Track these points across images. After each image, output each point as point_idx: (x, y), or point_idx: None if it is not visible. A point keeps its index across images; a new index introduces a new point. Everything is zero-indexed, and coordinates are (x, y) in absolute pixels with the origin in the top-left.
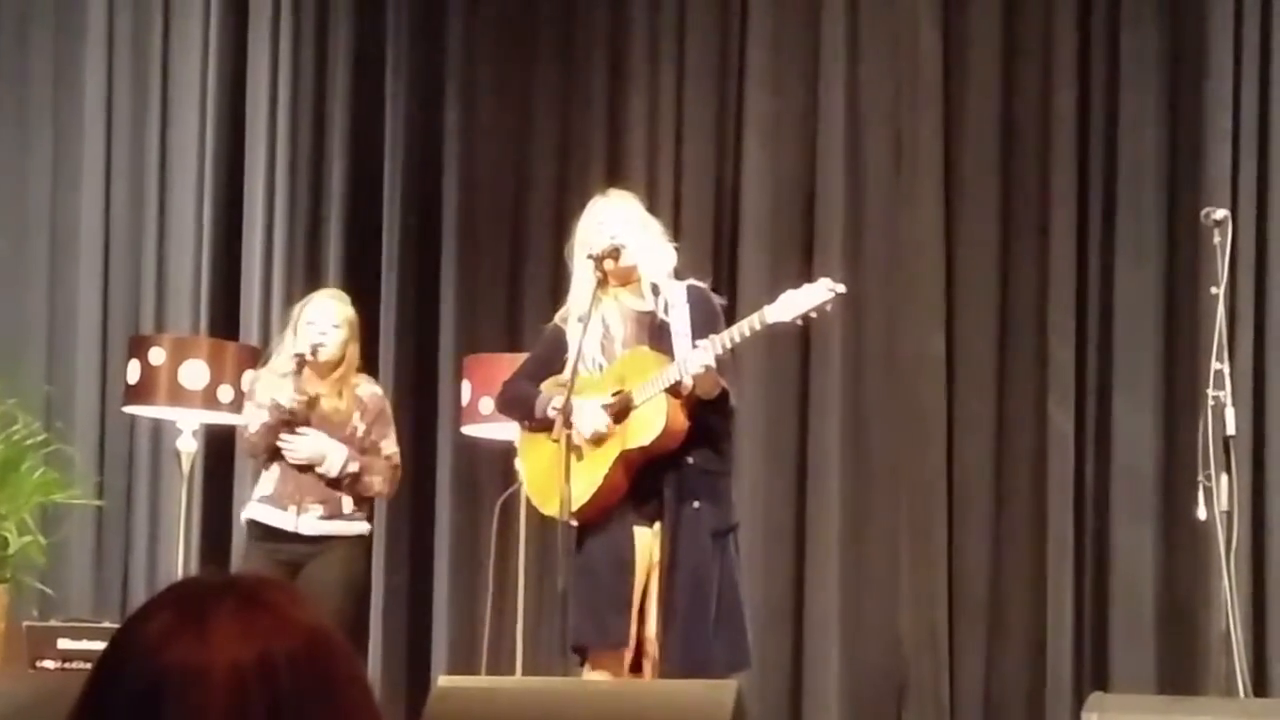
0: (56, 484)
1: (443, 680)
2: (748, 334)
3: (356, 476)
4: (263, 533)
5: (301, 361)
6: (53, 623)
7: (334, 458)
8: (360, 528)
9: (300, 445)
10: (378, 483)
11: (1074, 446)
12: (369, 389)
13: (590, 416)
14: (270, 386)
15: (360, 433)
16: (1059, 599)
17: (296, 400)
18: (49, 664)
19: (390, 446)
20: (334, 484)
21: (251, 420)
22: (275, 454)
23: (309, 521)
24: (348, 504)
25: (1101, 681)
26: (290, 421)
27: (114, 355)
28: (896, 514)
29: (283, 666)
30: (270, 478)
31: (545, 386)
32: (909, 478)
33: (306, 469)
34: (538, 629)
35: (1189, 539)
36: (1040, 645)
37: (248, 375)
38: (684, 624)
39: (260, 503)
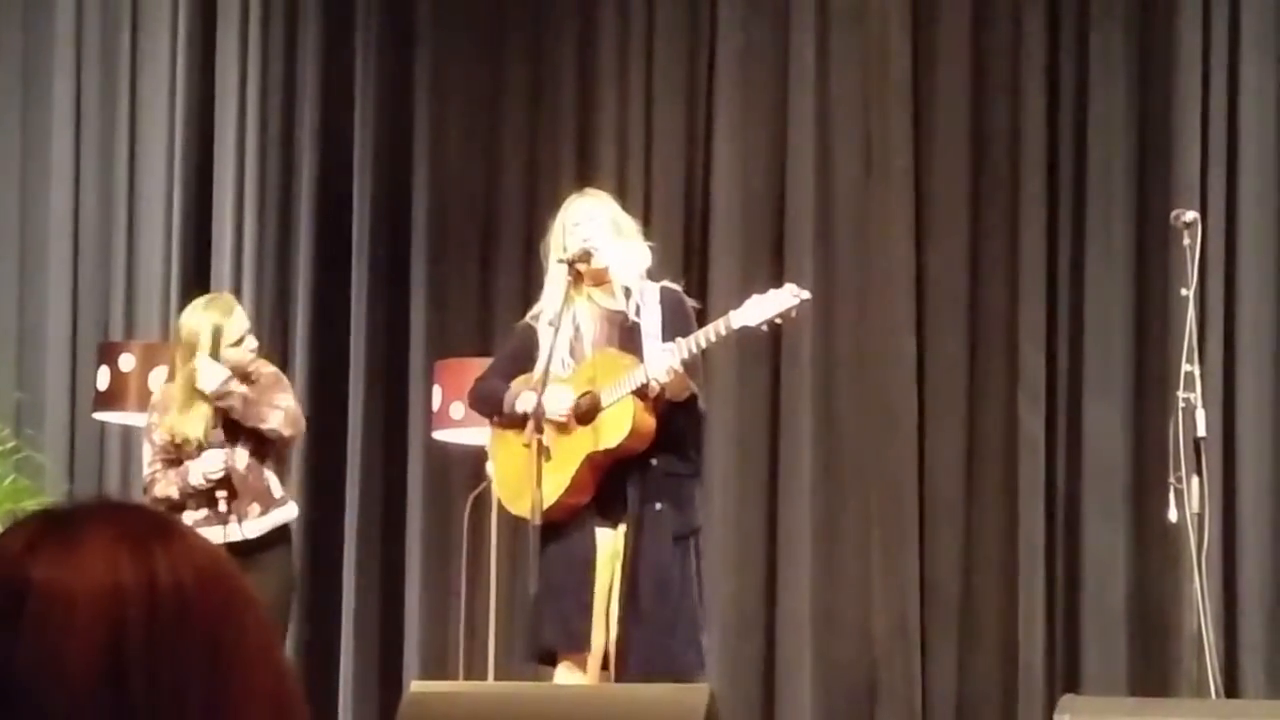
0: (27, 491)
1: (415, 685)
2: (714, 339)
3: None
4: None
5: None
6: None
7: (221, 456)
8: (291, 511)
9: (207, 463)
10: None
11: (1044, 448)
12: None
13: (558, 399)
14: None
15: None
16: (1030, 601)
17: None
18: None
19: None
20: (258, 450)
21: (149, 460)
22: (202, 499)
23: (251, 525)
24: (276, 488)
25: (1073, 683)
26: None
27: (84, 361)
28: (867, 515)
29: (167, 593)
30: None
31: (515, 384)
32: (880, 479)
33: (225, 483)
34: (510, 632)
35: (1160, 540)
36: (1012, 647)
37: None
38: (643, 626)
39: (195, 526)
